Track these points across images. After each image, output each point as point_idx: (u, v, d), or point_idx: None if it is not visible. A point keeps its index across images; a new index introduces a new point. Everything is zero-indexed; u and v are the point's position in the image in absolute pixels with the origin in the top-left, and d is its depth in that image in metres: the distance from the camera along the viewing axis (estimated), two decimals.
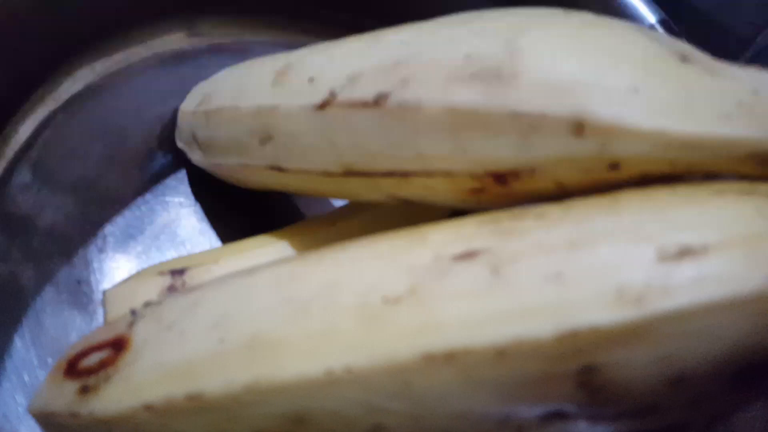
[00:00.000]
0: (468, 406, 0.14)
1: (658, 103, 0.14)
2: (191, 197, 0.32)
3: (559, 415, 0.14)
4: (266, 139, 0.23)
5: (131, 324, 0.19)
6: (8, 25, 0.27)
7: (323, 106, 0.20)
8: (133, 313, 0.20)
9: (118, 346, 0.19)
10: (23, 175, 0.29)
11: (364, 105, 0.19)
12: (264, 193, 0.28)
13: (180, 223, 0.31)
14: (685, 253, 0.13)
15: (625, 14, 0.29)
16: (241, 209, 0.32)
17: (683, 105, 0.14)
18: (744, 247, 0.13)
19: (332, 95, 0.20)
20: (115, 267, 0.29)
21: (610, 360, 0.13)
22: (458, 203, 0.19)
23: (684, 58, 0.15)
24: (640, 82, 0.15)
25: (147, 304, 0.20)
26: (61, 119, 0.30)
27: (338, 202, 0.31)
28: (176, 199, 0.32)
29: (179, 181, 0.32)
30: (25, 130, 0.29)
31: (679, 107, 0.14)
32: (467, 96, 0.16)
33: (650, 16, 0.29)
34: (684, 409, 0.14)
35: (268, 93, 0.22)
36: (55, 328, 0.27)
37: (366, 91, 0.19)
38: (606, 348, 0.13)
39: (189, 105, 0.28)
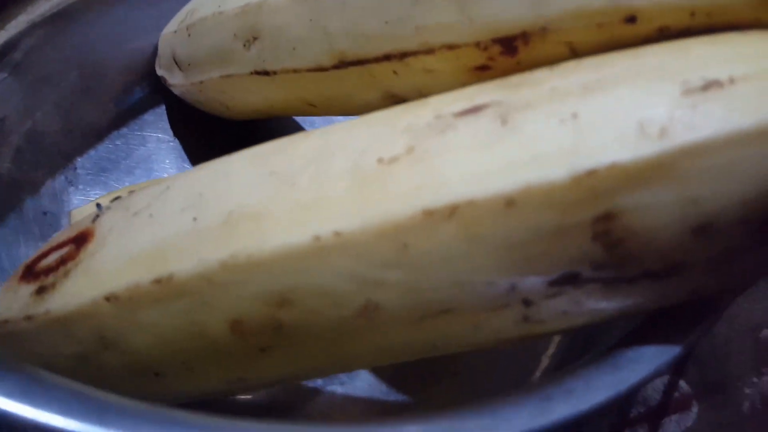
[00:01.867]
0: (470, 271, 0.13)
1: None
2: (170, 133, 0.30)
3: (571, 279, 0.13)
4: (251, 40, 0.21)
5: (96, 217, 0.17)
6: None
7: None
8: (99, 206, 0.18)
9: (80, 240, 0.17)
10: None
11: None
12: (245, 130, 0.27)
13: (157, 158, 0.29)
14: (710, 85, 0.12)
15: None
16: (222, 147, 0.30)
17: None
18: None
19: None
20: (85, 200, 0.27)
21: (629, 204, 0.12)
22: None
23: None
24: None
25: (115, 199, 0.18)
26: (33, 42, 0.28)
27: None
28: (154, 135, 0.30)
29: (158, 117, 0.30)
30: None
31: None
32: None
33: None
34: (711, 267, 0.12)
35: None
36: (20, 258, 0.25)
37: None
38: (626, 189, 0.12)
39: (171, 27, 0.27)
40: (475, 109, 0.13)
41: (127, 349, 0.16)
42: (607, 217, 0.12)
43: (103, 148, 0.29)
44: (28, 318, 0.17)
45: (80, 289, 0.16)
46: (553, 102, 0.13)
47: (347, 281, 0.14)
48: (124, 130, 0.30)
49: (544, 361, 0.24)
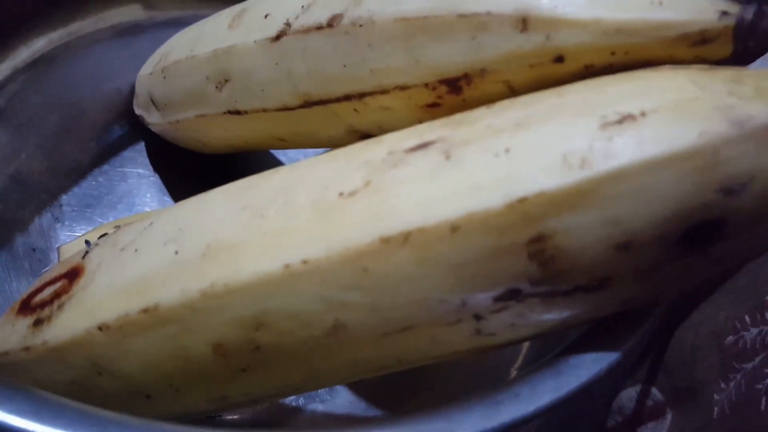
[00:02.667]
0: (425, 290, 0.15)
1: None
2: (150, 168, 0.32)
3: (514, 294, 0.14)
4: (223, 82, 0.23)
5: (85, 254, 0.19)
6: None
7: (278, 36, 0.20)
8: (88, 243, 0.19)
9: (72, 275, 0.19)
10: None
11: (319, 28, 0.19)
12: (223, 163, 0.28)
13: (139, 192, 0.31)
14: (625, 119, 0.13)
15: None
16: (200, 181, 0.32)
17: None
18: (679, 110, 0.13)
19: (287, 25, 0.20)
20: (71, 236, 0.29)
21: (558, 226, 0.13)
22: (416, 123, 0.19)
23: None
24: None
25: (102, 236, 0.20)
26: (17, 87, 0.30)
27: None
28: (135, 170, 0.31)
29: (138, 153, 0.32)
30: None
31: None
32: (416, 4, 0.17)
33: None
34: (635, 279, 0.14)
35: (224, 36, 0.23)
36: (11, 293, 0.26)
37: (320, 14, 0.19)
38: (553, 214, 0.13)
39: (147, 68, 0.28)
40: (423, 146, 0.15)
41: (119, 373, 0.17)
42: (540, 239, 0.14)
43: (87, 185, 0.30)
44: (27, 349, 0.18)
45: (74, 320, 0.17)
46: (489, 138, 0.14)
47: (315, 304, 0.15)
48: (105, 167, 0.31)
49: (513, 374, 0.25)
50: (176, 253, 0.17)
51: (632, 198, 0.13)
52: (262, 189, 0.17)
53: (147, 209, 0.30)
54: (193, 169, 0.32)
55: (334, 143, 0.24)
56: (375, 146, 0.16)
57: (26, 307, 0.19)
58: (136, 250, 0.17)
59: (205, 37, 0.24)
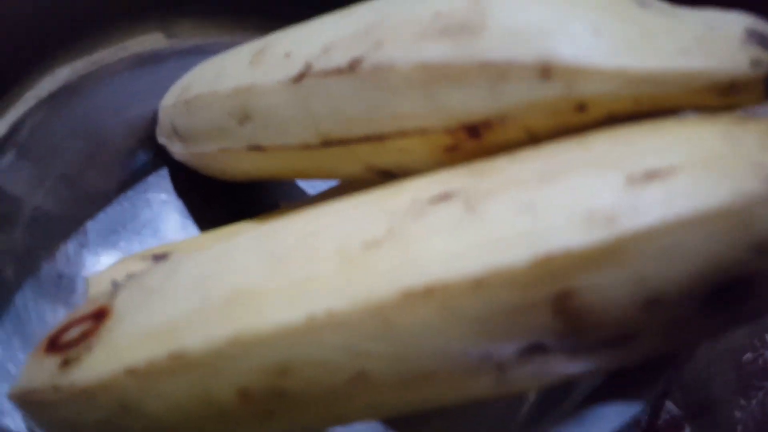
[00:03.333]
0: (448, 343, 0.15)
1: (619, 43, 0.15)
2: (173, 194, 0.32)
3: (538, 349, 0.14)
4: (244, 118, 0.23)
5: (113, 294, 0.19)
6: None
7: (299, 78, 0.20)
8: (115, 284, 0.20)
9: (99, 316, 0.19)
10: (2, 172, 0.29)
11: (339, 72, 0.19)
12: (245, 188, 0.29)
13: (162, 218, 0.31)
14: (652, 175, 0.13)
15: None
16: (223, 205, 0.32)
17: (643, 43, 0.15)
18: (709, 166, 0.13)
19: (308, 66, 0.20)
20: (97, 262, 0.29)
21: (584, 284, 0.13)
22: (434, 166, 0.19)
23: (642, 3, 0.16)
24: (601, 24, 0.15)
25: (129, 276, 0.20)
26: (42, 117, 0.30)
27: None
28: (159, 196, 0.32)
29: (161, 178, 0.32)
30: (1, 127, 0.30)
31: (639, 45, 0.15)
32: (437, 51, 0.17)
33: None
34: (661, 335, 0.14)
35: (245, 73, 0.23)
36: (38, 321, 0.27)
37: (340, 57, 0.19)
38: (579, 271, 0.13)
39: (169, 99, 0.29)
40: (445, 196, 0.15)
41: (146, 415, 0.18)
42: (565, 296, 0.14)
43: (112, 212, 0.31)
44: (56, 389, 0.19)
45: (102, 363, 0.18)
46: (513, 190, 0.14)
47: (339, 353, 0.15)
48: (130, 193, 0.31)
49: (526, 402, 0.25)
50: (202, 299, 0.17)
51: (660, 256, 0.13)
52: (285, 235, 0.17)
53: (171, 235, 0.31)
54: (216, 194, 0.32)
55: (353, 178, 0.25)
56: (398, 194, 0.16)
57: (54, 345, 0.20)
58: (162, 294, 0.18)
59: (226, 73, 0.24)
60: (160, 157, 0.32)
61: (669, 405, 0.32)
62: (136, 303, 0.18)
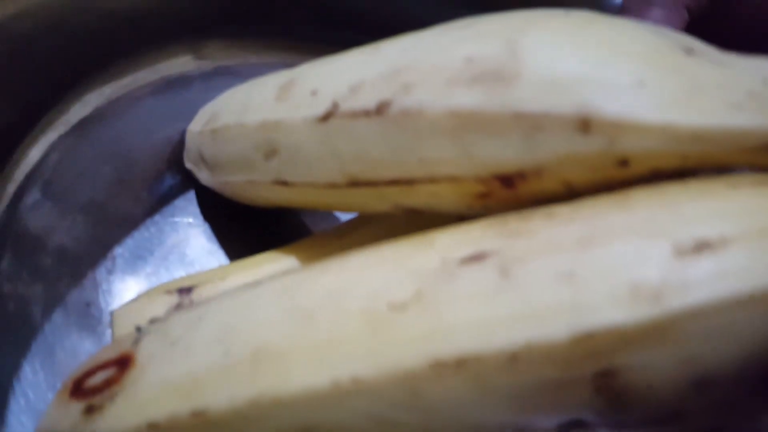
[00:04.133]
0: (481, 416, 0.14)
1: (666, 96, 0.14)
2: (200, 217, 0.32)
3: (577, 424, 0.14)
4: (271, 153, 0.22)
5: (136, 341, 0.19)
6: (18, 50, 0.28)
7: (326, 117, 0.20)
8: (139, 330, 0.19)
9: (123, 363, 0.19)
10: (34, 197, 0.29)
11: (367, 114, 0.18)
12: (272, 210, 0.28)
13: (189, 243, 0.31)
14: (702, 247, 0.12)
15: None
16: (250, 228, 0.32)
17: (691, 97, 0.14)
18: (763, 238, 0.12)
19: (335, 106, 0.19)
20: (124, 288, 0.29)
21: (628, 362, 0.13)
22: (465, 209, 0.19)
23: (689, 51, 0.15)
24: (646, 76, 0.14)
25: (152, 321, 0.20)
26: (71, 142, 0.30)
27: (345, 216, 0.31)
28: (185, 220, 0.32)
29: (188, 202, 0.32)
30: (35, 153, 0.30)
31: (686, 99, 0.14)
32: (469, 98, 0.16)
33: None
34: (710, 414, 0.13)
35: (272, 108, 0.22)
36: (64, 350, 0.27)
37: (368, 99, 0.18)
38: (623, 350, 0.12)
39: (196, 125, 0.28)
40: (477, 257, 0.14)
41: None
42: (607, 374, 0.13)
43: (139, 236, 0.30)
44: None
45: (125, 414, 0.17)
46: (550, 256, 0.14)
47: (364, 419, 0.15)
48: (156, 218, 0.31)
49: None
50: (225, 354, 0.16)
51: (710, 336, 0.12)
52: (309, 291, 0.16)
53: (197, 260, 0.31)
54: (242, 218, 0.31)
55: (381, 215, 0.24)
56: (426, 251, 0.15)
57: (79, 389, 0.19)
58: (185, 346, 0.17)
59: (253, 105, 0.23)
60: (187, 180, 0.32)
61: None
62: (159, 353, 0.18)
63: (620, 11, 0.24)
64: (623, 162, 0.15)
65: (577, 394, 0.13)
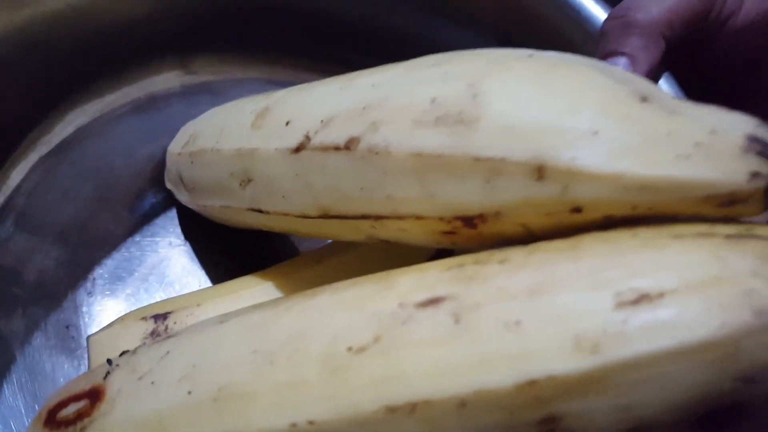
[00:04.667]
0: None
1: (618, 146, 0.14)
2: (181, 236, 0.32)
3: None
4: (246, 181, 0.23)
5: (107, 374, 0.19)
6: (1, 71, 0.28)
7: (299, 149, 0.20)
8: (109, 362, 0.20)
9: (93, 396, 0.19)
10: (8, 225, 0.29)
11: (336, 149, 0.19)
12: (253, 231, 0.28)
13: (169, 263, 0.31)
14: (641, 299, 0.13)
15: None
16: (231, 248, 0.32)
17: (642, 147, 0.14)
18: (699, 292, 0.13)
19: (307, 138, 0.20)
20: (103, 310, 0.29)
21: (569, 410, 0.13)
22: (434, 244, 0.19)
23: (644, 98, 0.15)
24: (600, 125, 0.15)
25: (123, 353, 0.20)
26: (52, 163, 0.31)
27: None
28: (166, 239, 0.32)
29: (169, 221, 0.32)
30: (16, 175, 0.30)
31: (637, 149, 0.14)
32: (432, 140, 0.16)
33: None
34: None
35: (247, 135, 0.23)
36: (43, 374, 0.27)
37: (338, 134, 0.19)
38: (564, 397, 0.13)
39: (176, 146, 0.29)
40: (433, 302, 0.15)
41: None
42: (550, 420, 0.13)
43: (119, 257, 0.31)
44: None
45: None
46: (500, 303, 0.14)
47: None
48: (137, 237, 0.31)
49: None
50: (189, 393, 0.17)
51: (645, 386, 0.13)
52: (273, 332, 0.17)
53: (176, 280, 0.31)
54: (224, 237, 0.32)
55: (354, 243, 0.24)
56: (385, 295, 0.16)
57: (52, 421, 0.20)
58: (152, 382, 0.18)
59: (229, 131, 0.24)
60: (169, 199, 0.32)
61: None
62: (126, 387, 0.18)
63: (600, 39, 0.24)
64: (577, 209, 0.15)
65: None
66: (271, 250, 0.33)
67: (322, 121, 0.20)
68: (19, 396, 0.26)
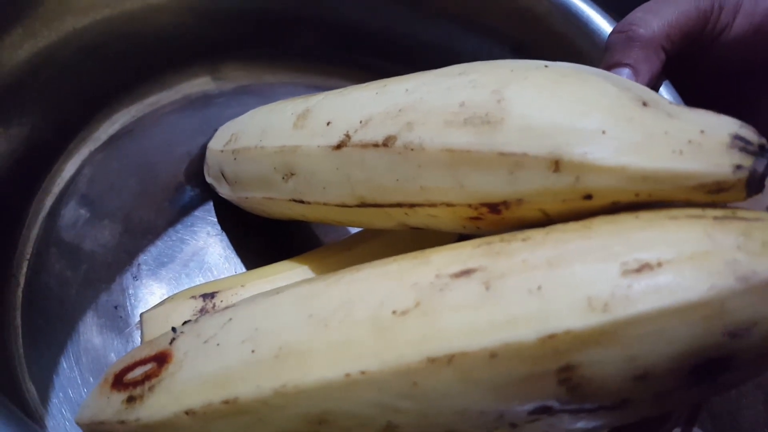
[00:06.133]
0: (467, 403, 0.17)
1: (622, 143, 0.17)
2: (217, 227, 0.35)
3: (545, 410, 0.17)
4: (289, 175, 0.25)
5: (172, 340, 0.22)
6: (59, 74, 0.31)
7: (339, 146, 0.23)
8: (174, 330, 0.22)
9: (161, 360, 0.22)
10: (70, 210, 0.32)
11: (375, 145, 0.21)
12: (285, 222, 0.31)
13: (207, 251, 0.34)
14: (643, 268, 0.15)
15: None
16: (264, 237, 0.35)
17: (643, 144, 0.17)
18: (692, 262, 0.15)
19: (347, 137, 0.22)
20: (148, 293, 0.32)
21: (584, 359, 0.16)
22: (460, 229, 0.22)
23: (644, 103, 0.18)
24: (607, 125, 0.17)
25: (186, 323, 0.23)
26: (101, 158, 0.33)
27: (353, 228, 0.34)
28: (204, 230, 0.35)
29: (206, 212, 0.35)
30: (70, 168, 0.33)
31: (639, 146, 0.17)
32: (462, 138, 0.19)
33: None
34: (652, 402, 0.16)
35: (290, 134, 0.25)
36: (95, 350, 0.30)
37: (376, 133, 0.21)
38: (579, 349, 0.16)
39: (217, 143, 0.31)
40: (465, 273, 0.18)
41: None
42: (567, 368, 0.16)
43: (161, 245, 0.33)
44: (122, 422, 0.21)
45: (164, 403, 0.20)
46: (524, 273, 0.17)
47: (371, 407, 0.18)
48: (178, 227, 0.34)
49: None
50: (253, 352, 0.19)
51: (648, 339, 0.15)
52: (324, 300, 0.19)
53: (214, 267, 0.34)
54: (256, 228, 0.34)
55: (385, 230, 0.27)
56: (423, 267, 0.18)
57: (119, 382, 0.22)
58: (218, 344, 0.20)
59: (272, 131, 0.26)
60: (206, 192, 0.35)
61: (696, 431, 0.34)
62: (193, 350, 0.21)
63: (606, 51, 0.27)
64: (588, 196, 0.18)
65: (544, 384, 0.16)
66: (300, 241, 0.36)
67: (360, 121, 0.22)
68: (75, 369, 0.29)
